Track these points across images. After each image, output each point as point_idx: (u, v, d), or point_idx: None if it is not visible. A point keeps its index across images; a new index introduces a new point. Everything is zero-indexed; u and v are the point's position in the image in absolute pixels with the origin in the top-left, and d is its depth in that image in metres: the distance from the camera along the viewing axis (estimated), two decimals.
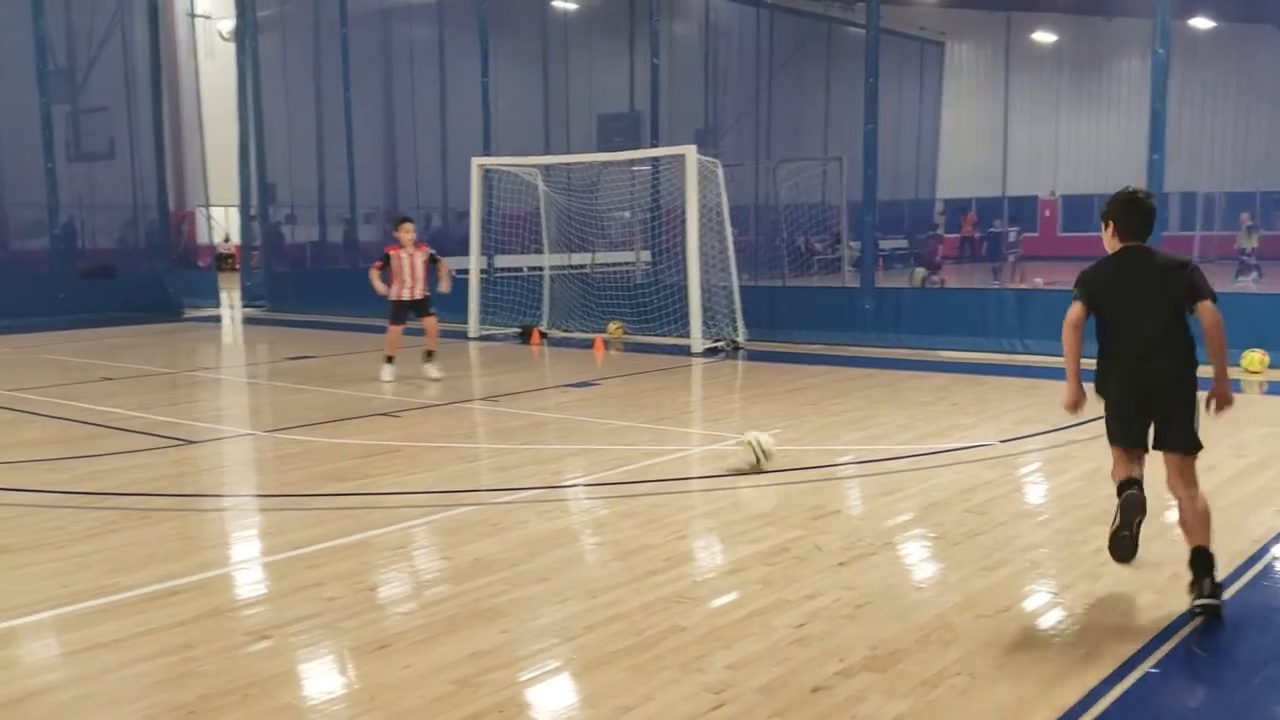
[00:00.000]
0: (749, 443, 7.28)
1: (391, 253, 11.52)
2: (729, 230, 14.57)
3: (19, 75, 19.46)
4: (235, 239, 29.25)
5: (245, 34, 21.99)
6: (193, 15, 28.40)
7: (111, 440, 8.65)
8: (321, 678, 4.14)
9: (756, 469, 7.23)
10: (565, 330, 15.76)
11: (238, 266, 22.65)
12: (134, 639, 4.43)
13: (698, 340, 13.85)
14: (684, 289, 14.21)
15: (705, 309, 14.04)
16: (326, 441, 8.45)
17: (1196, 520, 4.60)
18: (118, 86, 20.99)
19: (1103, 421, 4.87)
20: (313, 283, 21.52)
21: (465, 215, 19.76)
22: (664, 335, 14.61)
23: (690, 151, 13.78)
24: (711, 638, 4.37)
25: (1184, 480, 4.63)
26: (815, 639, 4.35)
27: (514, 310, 16.15)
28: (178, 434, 8.87)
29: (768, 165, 18.41)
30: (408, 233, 11.55)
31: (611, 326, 15.18)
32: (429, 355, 11.71)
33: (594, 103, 23.67)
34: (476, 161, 15.78)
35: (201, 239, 29.03)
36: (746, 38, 22.91)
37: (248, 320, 20.08)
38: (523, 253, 17.29)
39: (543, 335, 15.52)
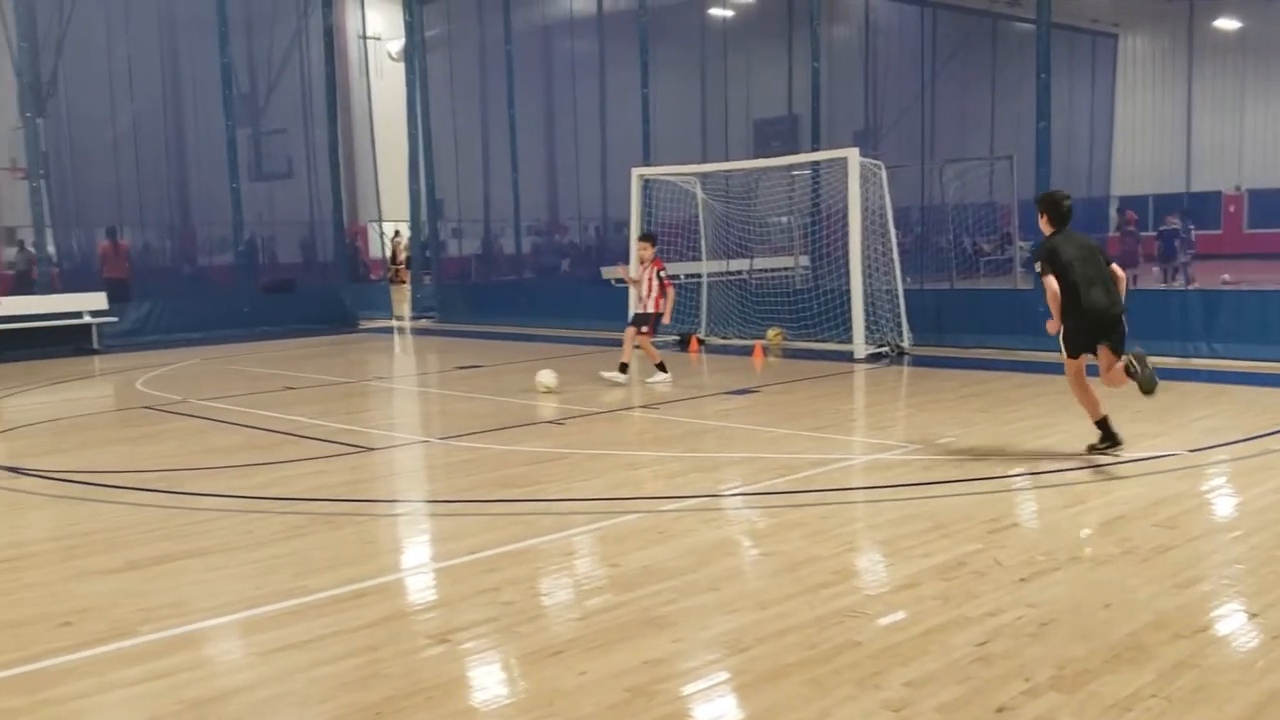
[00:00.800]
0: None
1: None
2: (893, 233, 14.28)
3: (207, 102, 20.66)
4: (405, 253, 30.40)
5: (413, 54, 22.80)
6: (363, 37, 29.64)
7: (295, 447, 9.06)
8: (500, 682, 4.22)
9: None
10: (724, 337, 15.73)
11: (407, 279, 23.47)
12: (322, 640, 4.61)
13: (861, 346, 13.61)
14: (845, 293, 13.99)
15: (868, 313, 13.79)
16: (495, 448, 8.65)
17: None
18: (295, 109, 22.02)
19: None
20: (479, 294, 22.13)
21: (623, 225, 20.02)
22: (825, 341, 14.41)
23: (853, 154, 13.58)
24: (888, 654, 4.26)
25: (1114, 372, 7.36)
26: (998, 658, 4.19)
27: (673, 317, 16.18)
28: (356, 441, 9.23)
29: (932, 166, 17.98)
30: (644, 249, 12.16)
31: (770, 333, 15.07)
32: (624, 367, 12.06)
33: (751, 108, 23.59)
34: (636, 171, 15.93)
35: (373, 253, 30.26)
36: (907, 37, 22.48)
37: (418, 331, 20.77)
38: (681, 260, 17.34)
39: (701, 342, 15.53)
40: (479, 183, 22.61)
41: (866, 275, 13.82)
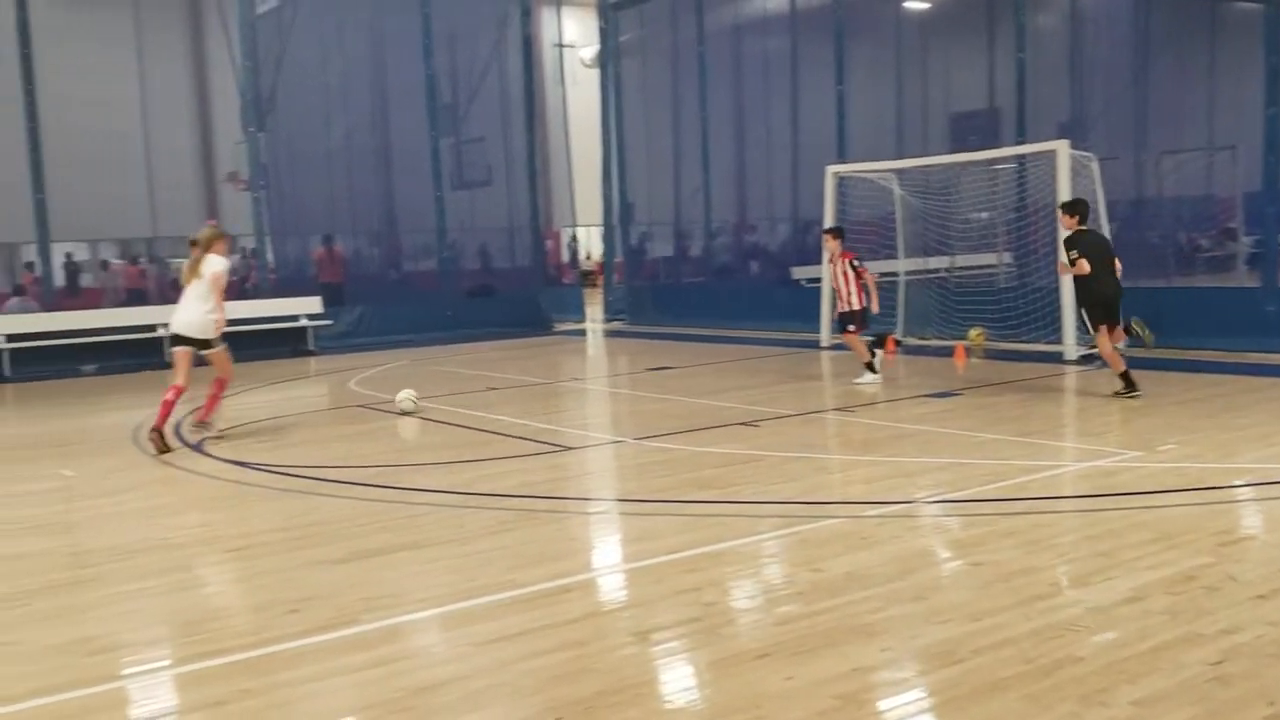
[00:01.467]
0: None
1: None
2: (1106, 227, 13.58)
3: (412, 113, 21.60)
4: (597, 257, 31.00)
5: (607, 59, 23.21)
6: (559, 45, 30.39)
7: (500, 445, 9.34)
8: (706, 683, 4.22)
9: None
10: (921, 337, 15.32)
11: (599, 283, 23.94)
12: (532, 634, 4.72)
13: (1071, 347, 13.00)
14: (1053, 292, 13.39)
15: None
16: (689, 449, 8.68)
17: None
18: (494, 117, 22.74)
19: None
20: (669, 296, 22.32)
21: (814, 224, 19.77)
22: (1031, 342, 13.83)
23: (1062, 147, 12.99)
24: (1113, 670, 4.04)
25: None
26: (1237, 678, 3.92)
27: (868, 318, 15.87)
28: (555, 440, 9.45)
29: (1146, 157, 16.99)
30: (830, 242, 12.23)
31: (972, 333, 14.55)
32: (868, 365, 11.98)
33: (948, 102, 22.91)
34: (831, 169, 15.71)
35: (566, 258, 31.00)
36: (1117, 24, 21.34)
37: (609, 333, 21.11)
38: (876, 259, 17.00)
39: (898, 343, 15.18)
40: (670, 184, 22.80)
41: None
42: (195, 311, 9.64)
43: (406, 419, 10.88)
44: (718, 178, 21.87)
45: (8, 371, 16.31)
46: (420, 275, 22.86)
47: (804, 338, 16.41)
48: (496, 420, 10.61)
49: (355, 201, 22.13)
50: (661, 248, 24.79)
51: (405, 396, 11.21)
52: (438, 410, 11.32)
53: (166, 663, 4.58)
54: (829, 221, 15.64)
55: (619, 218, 23.09)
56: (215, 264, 9.67)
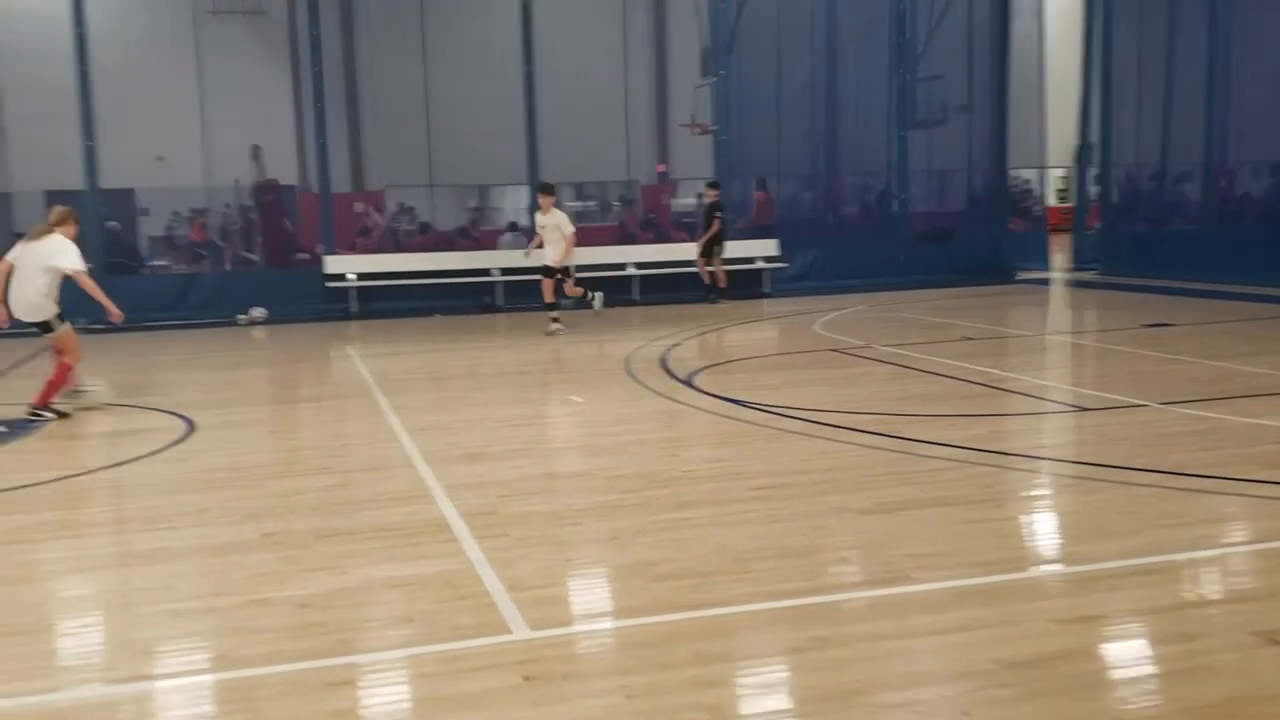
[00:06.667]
0: None
1: None
2: None
3: (873, 51, 21.08)
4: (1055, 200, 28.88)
5: None
6: None
7: (998, 401, 8.80)
8: None
9: None
10: None
11: (1068, 229, 22.17)
12: (1120, 616, 4.26)
13: None
14: None
15: None
16: (1232, 419, 7.65)
17: None
18: (958, 51, 21.57)
19: None
20: (1152, 244, 20.25)
21: None
22: None
23: None
24: None
25: None
26: None
27: None
28: (1062, 399, 8.74)
29: None
30: None
31: None
32: None
33: None
34: None
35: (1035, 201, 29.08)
36: None
37: (1080, 284, 19.54)
38: None
39: None
40: (1159, 120, 20.50)
41: None
42: (27, 293, 8.83)
43: (881, 365, 10.55)
44: (1222, 110, 19.35)
45: (501, 302, 17.89)
46: (872, 219, 22.39)
47: None
48: (984, 373, 10.02)
49: (804, 143, 21.97)
50: (1146, 190, 22.48)
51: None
52: (915, 359, 10.90)
53: (730, 599, 4.57)
54: None
55: (1100, 156, 21.20)
56: (57, 246, 8.85)
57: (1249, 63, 19.17)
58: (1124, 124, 20.96)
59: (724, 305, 17.33)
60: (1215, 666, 3.76)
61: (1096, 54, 20.93)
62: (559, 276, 14.07)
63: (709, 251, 17.93)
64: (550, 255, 14.00)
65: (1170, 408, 8.17)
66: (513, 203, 27.75)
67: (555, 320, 14.02)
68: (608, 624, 4.34)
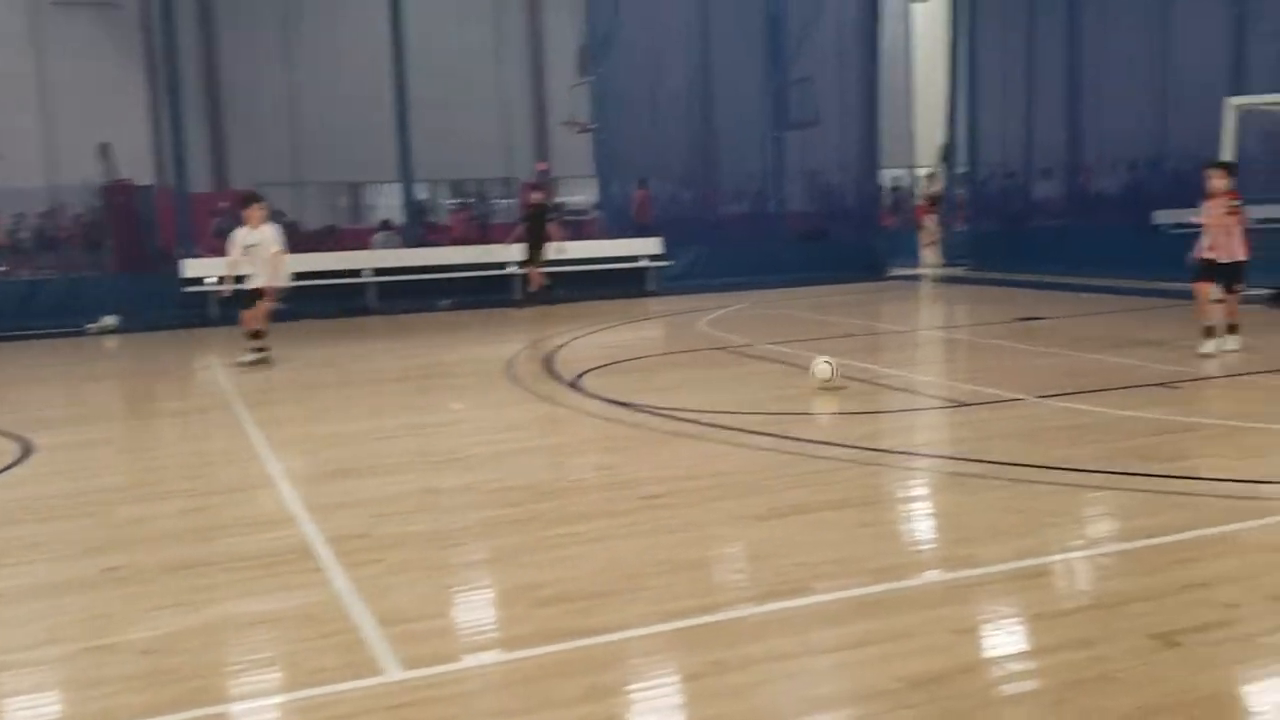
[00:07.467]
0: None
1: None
2: None
3: (747, 52, 21.12)
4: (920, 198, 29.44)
5: None
6: None
7: (886, 398, 8.77)
8: (1277, 707, 3.49)
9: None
10: None
11: (936, 226, 22.55)
12: (1019, 622, 4.15)
13: None
14: None
15: None
16: (1108, 412, 7.74)
17: None
18: (828, 54, 21.76)
19: None
20: (1017, 241, 20.76)
21: (1189, 163, 17.67)
22: None
23: None
24: None
25: None
26: None
27: (1267, 269, 13.96)
28: (944, 395, 8.76)
29: None
30: (1218, 179, 9.95)
31: None
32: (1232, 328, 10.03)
33: None
34: (1233, 101, 13.85)
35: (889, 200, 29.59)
36: None
37: (951, 280, 19.92)
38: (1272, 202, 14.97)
39: None
40: (1020, 119, 21.06)
41: None
42: None
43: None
44: (1078, 110, 19.97)
45: (374, 304, 17.32)
46: (750, 218, 22.45)
47: (1165, 288, 14.62)
48: (869, 370, 10.00)
49: (679, 144, 21.90)
50: (1009, 188, 23.06)
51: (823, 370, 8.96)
52: (801, 357, 10.82)
53: (622, 622, 4.30)
54: (1227, 158, 13.80)
55: (966, 155, 21.66)
56: None
57: (1104, 66, 19.84)
58: (989, 125, 21.49)
59: (529, 311, 16.70)
60: (1117, 675, 3.66)
61: (962, 58, 21.41)
62: (265, 302, 11.71)
63: (536, 254, 17.42)
64: (261, 277, 11.67)
65: (1046, 401, 8.24)
66: (386, 200, 27.06)
67: (260, 351, 11.72)
68: (491, 658, 4.01)
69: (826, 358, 9.04)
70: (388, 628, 4.21)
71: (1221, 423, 7.43)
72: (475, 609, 4.62)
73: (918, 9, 24.51)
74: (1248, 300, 10.98)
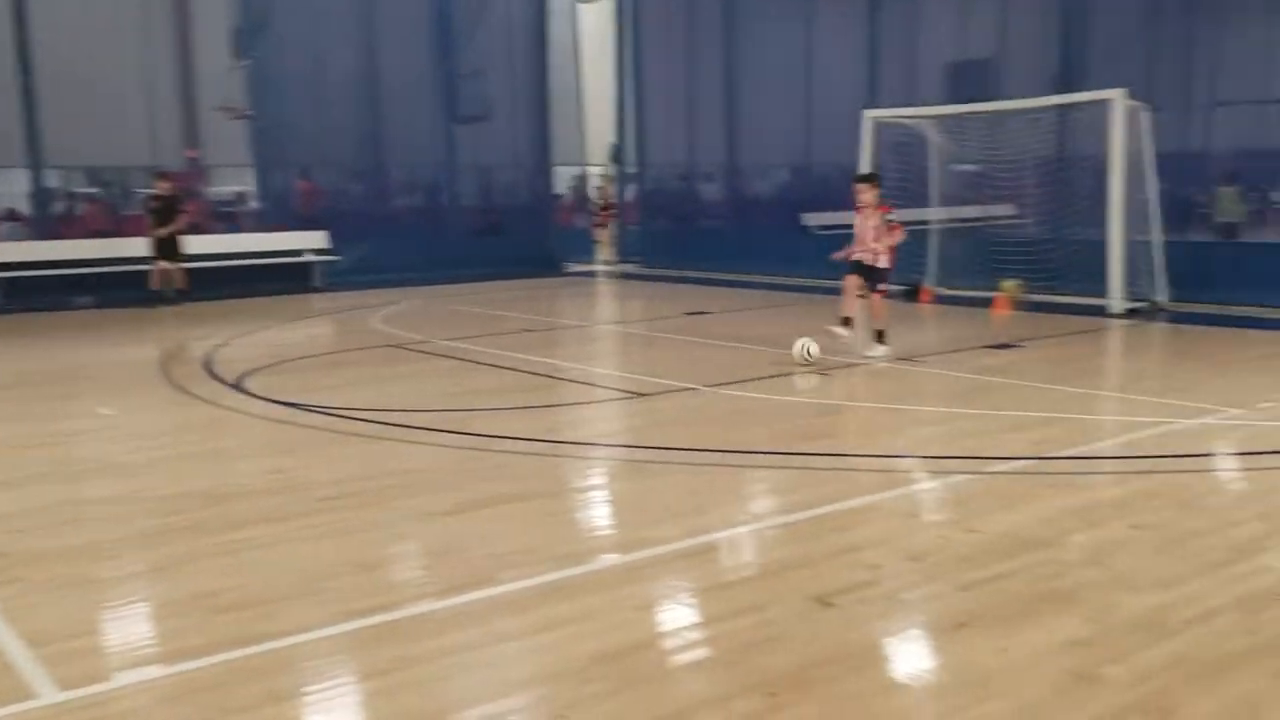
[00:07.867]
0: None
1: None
2: (1153, 181, 13.28)
3: (414, 44, 20.79)
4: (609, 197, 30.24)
5: None
6: None
7: (563, 391, 8.95)
8: (918, 654, 3.89)
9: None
10: (952, 288, 14.99)
11: (610, 224, 23.24)
12: (700, 595, 4.38)
13: (1117, 300, 12.74)
14: (1094, 244, 13.08)
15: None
16: (771, 399, 8.32)
17: None
18: (499, 48, 21.83)
19: None
20: (684, 240, 21.81)
21: (832, 170, 19.26)
22: (1068, 294, 13.53)
23: (1118, 96, 12.61)
24: None
25: None
26: None
27: (901, 267, 15.46)
28: (622, 386, 9.06)
29: (1197, 111, 16.51)
30: (865, 192, 10.29)
31: (1008, 284, 14.22)
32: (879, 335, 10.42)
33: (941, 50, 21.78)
34: (870, 114, 15.23)
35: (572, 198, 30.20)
36: None
37: (625, 275, 20.58)
38: (905, 207, 16.57)
39: (931, 292, 14.85)
40: (685, 123, 22.13)
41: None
42: None
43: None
44: (736, 118, 21.26)
45: (1, 302, 15.61)
46: (422, 212, 22.18)
47: (818, 285, 15.92)
48: (545, 364, 10.18)
49: (350, 134, 21.28)
50: (676, 189, 24.15)
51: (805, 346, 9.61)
52: (478, 352, 10.87)
53: (303, 625, 4.15)
54: (865, 168, 15.17)
55: (635, 156, 22.45)
56: None
57: (757, 75, 21.24)
58: (656, 128, 22.41)
59: (172, 310, 15.43)
60: (782, 636, 3.96)
61: (628, 61, 22.18)
62: None
63: (171, 249, 15.95)
64: None
65: (717, 389, 8.73)
66: (9, 188, 24.35)
67: None
68: (162, 670, 3.74)
69: (805, 339, 9.64)
70: (38, 649, 3.84)
71: (866, 405, 8.19)
72: (140, 621, 4.29)
73: (585, 10, 25.09)
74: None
